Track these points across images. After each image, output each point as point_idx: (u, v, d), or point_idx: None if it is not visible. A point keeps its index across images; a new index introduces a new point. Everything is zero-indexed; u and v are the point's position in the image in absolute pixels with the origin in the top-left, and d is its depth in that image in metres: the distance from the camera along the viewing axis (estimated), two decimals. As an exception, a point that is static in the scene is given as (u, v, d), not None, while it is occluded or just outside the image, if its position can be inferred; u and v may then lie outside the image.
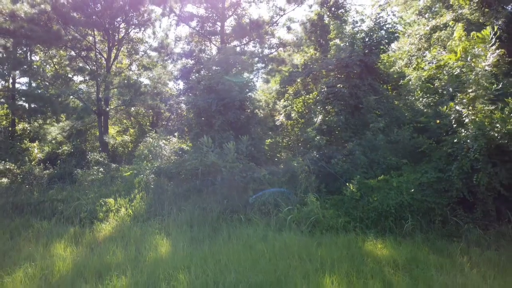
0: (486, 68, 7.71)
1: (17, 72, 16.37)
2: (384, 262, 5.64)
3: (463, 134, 7.66)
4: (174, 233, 7.33)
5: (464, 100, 8.04)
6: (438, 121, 9.09)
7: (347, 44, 10.48)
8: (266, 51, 18.87)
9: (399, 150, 9.14)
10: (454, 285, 4.70)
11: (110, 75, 16.11)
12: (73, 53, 16.92)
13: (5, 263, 5.85)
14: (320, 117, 10.08)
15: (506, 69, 11.14)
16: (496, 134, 7.10)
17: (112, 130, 20.55)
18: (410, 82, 11.94)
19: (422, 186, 7.72)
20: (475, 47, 7.92)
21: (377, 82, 10.69)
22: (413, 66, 14.14)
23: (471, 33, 8.27)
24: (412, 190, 7.38)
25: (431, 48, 14.26)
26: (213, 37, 18.74)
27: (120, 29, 17.48)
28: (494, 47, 7.74)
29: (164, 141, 10.85)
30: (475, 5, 13.64)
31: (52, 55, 17.63)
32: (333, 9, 18.84)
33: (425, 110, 10.99)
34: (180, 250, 6.42)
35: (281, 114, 16.35)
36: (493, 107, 7.72)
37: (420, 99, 11.59)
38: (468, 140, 7.39)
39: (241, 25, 17.51)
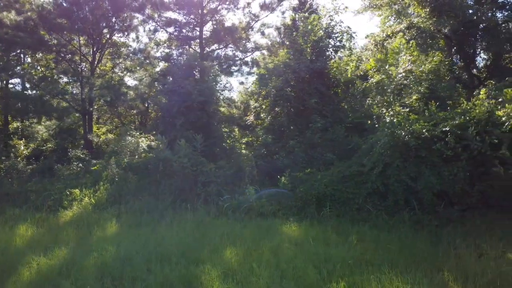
0: (402, 74, 8.77)
1: (9, 74, 17.55)
2: (287, 240, 6.73)
3: (380, 133, 8.73)
4: (125, 218, 8.46)
5: (385, 103, 9.11)
6: (369, 122, 10.16)
7: (297, 52, 11.54)
8: (242, 55, 19.96)
9: (335, 147, 10.21)
10: (326, 254, 5.77)
11: (93, 77, 17.25)
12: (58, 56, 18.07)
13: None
14: (269, 117, 11.18)
15: (446, 74, 12.20)
16: (403, 133, 8.15)
17: (101, 129, 21.74)
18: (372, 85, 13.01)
19: (344, 178, 8.80)
20: (389, 57, 8.97)
21: (326, 86, 11.72)
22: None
23: (393, 43, 9.32)
24: (326, 180, 8.45)
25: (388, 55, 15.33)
26: (192, 42, 19.82)
27: (104, 34, 18.60)
28: (405, 57, 8.77)
29: (131, 138, 11.89)
30: (427, 13, 14.67)
31: (39, 58, 18.79)
32: (306, 14, 19.88)
33: (378, 112, 12.07)
34: (124, 231, 7.55)
35: (252, 113, 17.46)
36: (407, 109, 8.79)
37: (374, 101, 12.68)
38: (382, 138, 8.46)
39: (217, 31, 18.61)
